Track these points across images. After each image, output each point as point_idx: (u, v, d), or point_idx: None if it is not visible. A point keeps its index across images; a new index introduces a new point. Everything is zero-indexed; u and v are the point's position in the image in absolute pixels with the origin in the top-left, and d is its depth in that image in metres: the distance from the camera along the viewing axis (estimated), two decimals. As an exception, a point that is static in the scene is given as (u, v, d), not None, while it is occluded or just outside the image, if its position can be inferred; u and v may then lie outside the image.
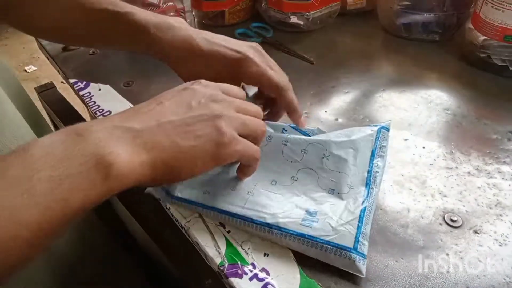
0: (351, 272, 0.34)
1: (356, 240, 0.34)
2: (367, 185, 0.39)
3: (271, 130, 0.43)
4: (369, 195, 0.38)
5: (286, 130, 0.44)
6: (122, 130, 0.29)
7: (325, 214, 0.36)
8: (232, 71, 0.42)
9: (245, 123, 0.34)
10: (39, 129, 0.45)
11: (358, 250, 0.34)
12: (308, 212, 0.37)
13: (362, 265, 0.33)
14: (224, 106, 0.34)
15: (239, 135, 0.34)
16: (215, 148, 0.32)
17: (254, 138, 0.36)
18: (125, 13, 0.44)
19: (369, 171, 0.40)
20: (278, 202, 0.38)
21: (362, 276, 0.34)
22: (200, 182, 0.40)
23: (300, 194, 0.39)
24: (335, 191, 0.39)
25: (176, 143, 0.31)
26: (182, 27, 0.44)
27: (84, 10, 0.44)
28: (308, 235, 0.35)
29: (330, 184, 0.39)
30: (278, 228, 0.36)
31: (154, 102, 0.33)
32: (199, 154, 0.32)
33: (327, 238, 0.34)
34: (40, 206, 0.24)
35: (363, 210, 0.37)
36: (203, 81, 0.36)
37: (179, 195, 0.39)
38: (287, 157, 0.41)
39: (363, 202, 0.37)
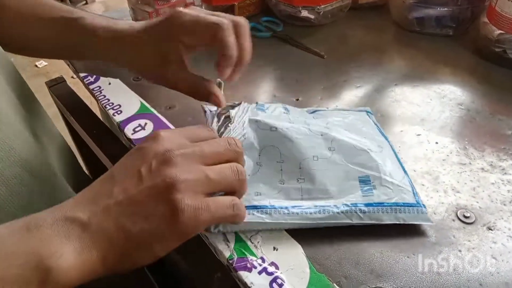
0: (420, 223, 0.36)
1: (415, 194, 0.37)
2: (388, 143, 0.44)
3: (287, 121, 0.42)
4: (394, 149, 0.43)
5: (288, 110, 0.44)
6: (70, 223, 0.27)
7: (378, 178, 0.38)
8: (168, 32, 0.38)
9: (209, 178, 0.29)
10: (34, 117, 0.44)
11: (420, 202, 0.37)
12: (361, 181, 0.38)
13: (427, 214, 0.36)
14: (180, 166, 0.29)
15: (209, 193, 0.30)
16: (172, 227, 0.28)
17: (230, 185, 0.31)
18: (77, 18, 0.42)
19: (382, 134, 0.45)
20: (330, 180, 0.38)
21: (431, 223, 0.36)
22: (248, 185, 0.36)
23: (344, 162, 0.39)
24: (372, 150, 0.40)
25: (125, 229, 0.27)
26: (129, 23, 0.42)
27: (40, 21, 0.44)
28: (375, 203, 0.36)
29: (365, 145, 0.40)
30: (347, 205, 0.36)
31: (106, 177, 0.30)
32: (154, 239, 0.28)
33: (393, 200, 0.36)
34: None
35: (401, 163, 0.41)
36: (161, 133, 0.31)
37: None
38: (315, 132, 0.41)
39: (396, 156, 0.42)
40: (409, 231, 0.37)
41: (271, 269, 0.34)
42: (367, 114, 0.48)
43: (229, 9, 0.77)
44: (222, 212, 0.30)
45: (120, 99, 0.55)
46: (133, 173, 0.29)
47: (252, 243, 0.36)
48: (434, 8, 0.67)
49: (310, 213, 0.36)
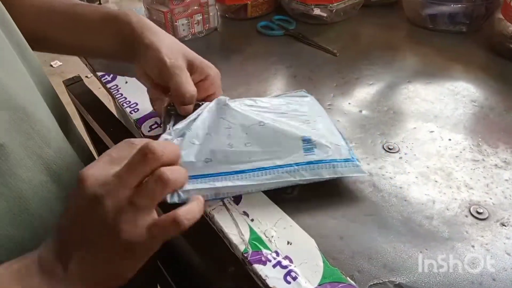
0: (357, 174, 0.40)
1: (350, 150, 0.42)
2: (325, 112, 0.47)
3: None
4: (330, 117, 0.47)
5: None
6: (51, 274, 0.30)
7: (317, 138, 0.41)
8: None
9: (137, 206, 0.30)
10: (63, 122, 0.46)
11: (354, 157, 0.41)
12: (303, 139, 0.41)
13: (361, 167, 0.41)
14: (112, 209, 0.29)
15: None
16: (130, 259, 0.31)
17: (158, 198, 0.32)
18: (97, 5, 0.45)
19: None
20: (275, 140, 0.41)
21: (365, 174, 0.41)
22: (197, 152, 0.39)
23: (288, 123, 0.42)
24: (311, 119, 0.44)
25: (94, 273, 0.31)
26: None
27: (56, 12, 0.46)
28: (315, 161, 0.40)
29: (305, 114, 0.45)
30: (290, 165, 0.39)
31: (61, 227, 0.32)
32: (122, 271, 0.31)
33: (331, 158, 0.40)
34: None
35: (337, 128, 0.45)
36: (86, 174, 0.30)
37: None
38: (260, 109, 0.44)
39: (332, 122, 0.46)
40: (421, 227, 0.37)
41: (285, 262, 0.34)
42: (306, 94, 0.51)
43: (242, 8, 0.78)
44: (163, 233, 0.32)
45: (137, 97, 0.56)
46: (77, 223, 0.31)
47: (267, 237, 0.37)
48: (447, 5, 0.67)
49: (257, 175, 0.39)
